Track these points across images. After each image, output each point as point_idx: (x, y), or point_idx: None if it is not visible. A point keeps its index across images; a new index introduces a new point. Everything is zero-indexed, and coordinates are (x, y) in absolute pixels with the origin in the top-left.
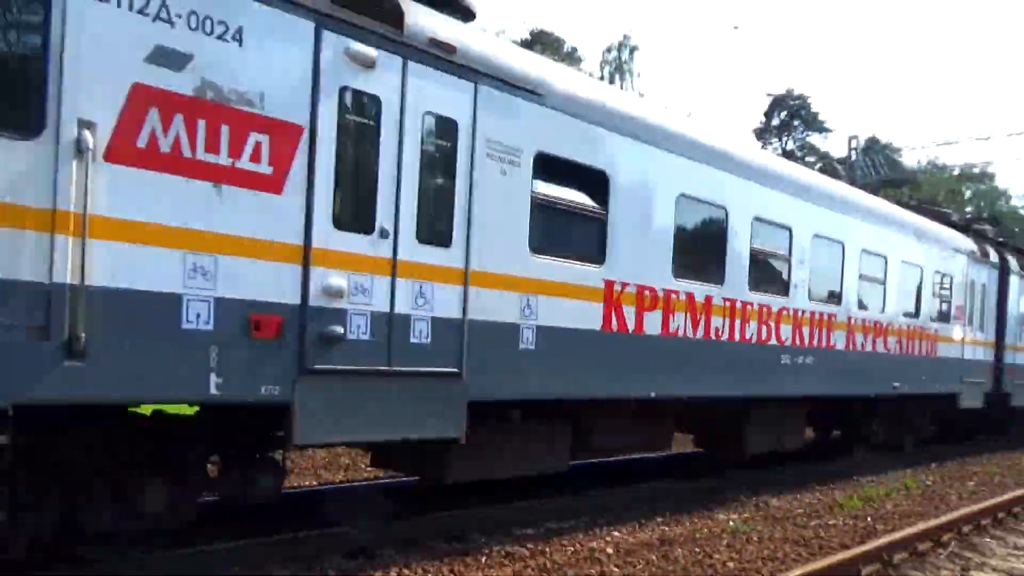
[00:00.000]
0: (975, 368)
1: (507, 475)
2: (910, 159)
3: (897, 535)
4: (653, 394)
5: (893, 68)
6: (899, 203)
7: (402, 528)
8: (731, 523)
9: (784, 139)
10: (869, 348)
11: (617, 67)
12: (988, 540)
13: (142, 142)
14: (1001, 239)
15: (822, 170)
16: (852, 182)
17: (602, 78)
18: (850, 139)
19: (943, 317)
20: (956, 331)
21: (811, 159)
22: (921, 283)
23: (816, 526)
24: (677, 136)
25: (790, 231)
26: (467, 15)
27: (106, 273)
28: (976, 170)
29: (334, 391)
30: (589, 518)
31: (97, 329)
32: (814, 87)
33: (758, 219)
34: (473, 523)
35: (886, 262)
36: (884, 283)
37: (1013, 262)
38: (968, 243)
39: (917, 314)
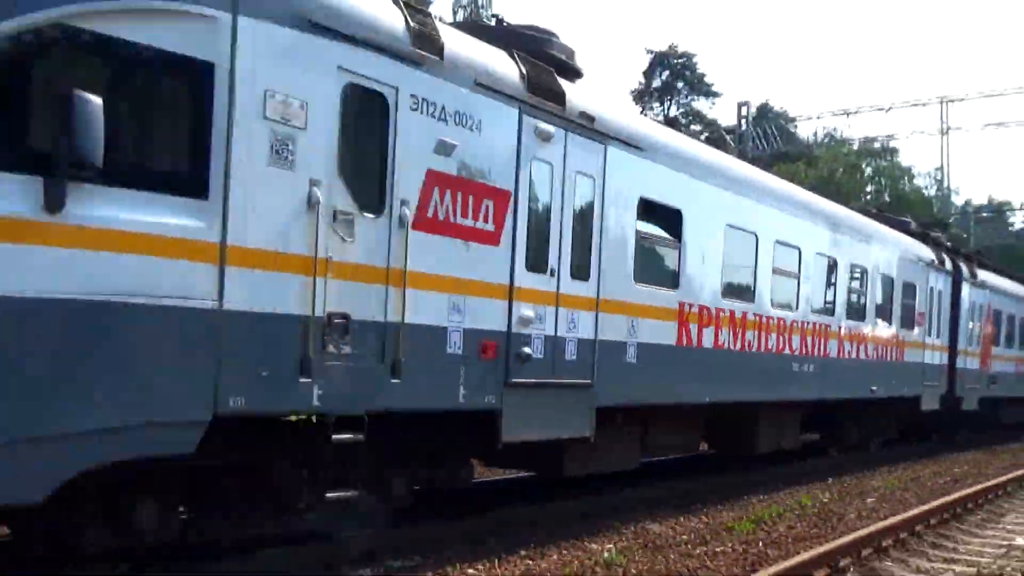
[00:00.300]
0: (933, 372)
1: (607, 470)
2: (805, 130)
3: (790, 562)
4: (708, 399)
5: (788, 29)
6: (862, 211)
7: None
8: (606, 554)
9: (666, 103)
10: (855, 355)
11: (473, 12)
12: (889, 564)
13: (430, 213)
14: (950, 244)
15: (708, 140)
16: (742, 155)
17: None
18: (740, 105)
19: (909, 324)
20: (919, 337)
21: (696, 127)
22: (892, 292)
23: (702, 554)
24: (723, 172)
25: (799, 251)
26: (576, 75)
27: (413, 312)
28: (877, 145)
29: (523, 399)
30: (437, 553)
31: (407, 355)
32: (701, 44)
33: (778, 242)
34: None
35: (866, 274)
36: (865, 294)
37: (965, 270)
38: (928, 252)
39: (890, 321)
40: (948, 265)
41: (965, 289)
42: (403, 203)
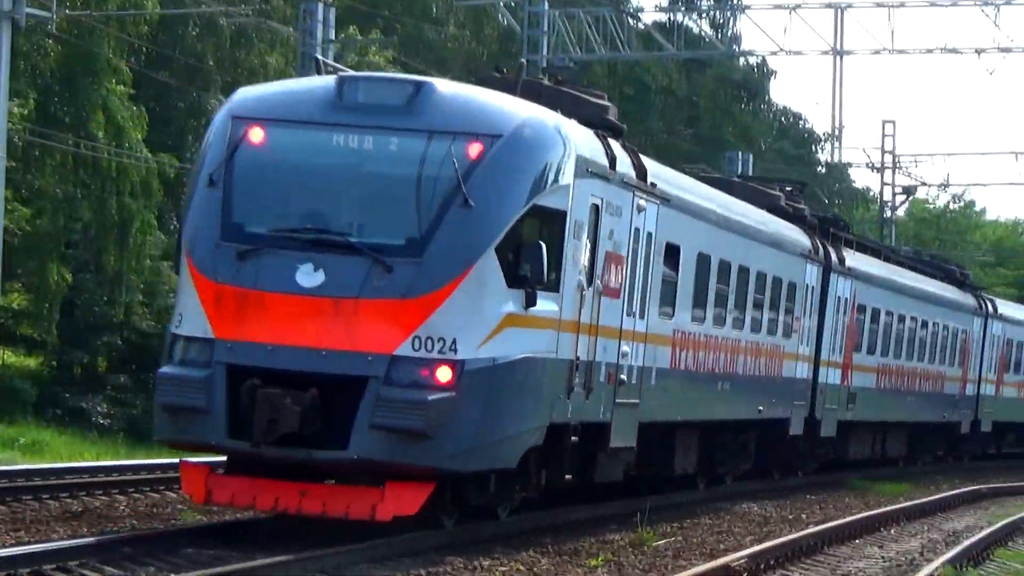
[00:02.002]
0: (801, 389)
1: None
2: None
3: None
4: (693, 417)
5: None
6: (727, 182)
7: None
8: None
9: None
10: (749, 371)
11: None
12: None
13: (606, 282)
14: (815, 219)
15: None
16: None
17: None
18: None
19: (788, 332)
20: (794, 347)
21: None
22: (779, 296)
23: None
24: (701, 207)
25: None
26: (618, 133)
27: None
28: None
29: (621, 417)
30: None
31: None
32: None
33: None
34: None
35: (754, 277)
36: (758, 301)
37: (835, 257)
38: (805, 240)
39: (772, 330)
40: (819, 252)
41: (833, 281)
42: (599, 277)
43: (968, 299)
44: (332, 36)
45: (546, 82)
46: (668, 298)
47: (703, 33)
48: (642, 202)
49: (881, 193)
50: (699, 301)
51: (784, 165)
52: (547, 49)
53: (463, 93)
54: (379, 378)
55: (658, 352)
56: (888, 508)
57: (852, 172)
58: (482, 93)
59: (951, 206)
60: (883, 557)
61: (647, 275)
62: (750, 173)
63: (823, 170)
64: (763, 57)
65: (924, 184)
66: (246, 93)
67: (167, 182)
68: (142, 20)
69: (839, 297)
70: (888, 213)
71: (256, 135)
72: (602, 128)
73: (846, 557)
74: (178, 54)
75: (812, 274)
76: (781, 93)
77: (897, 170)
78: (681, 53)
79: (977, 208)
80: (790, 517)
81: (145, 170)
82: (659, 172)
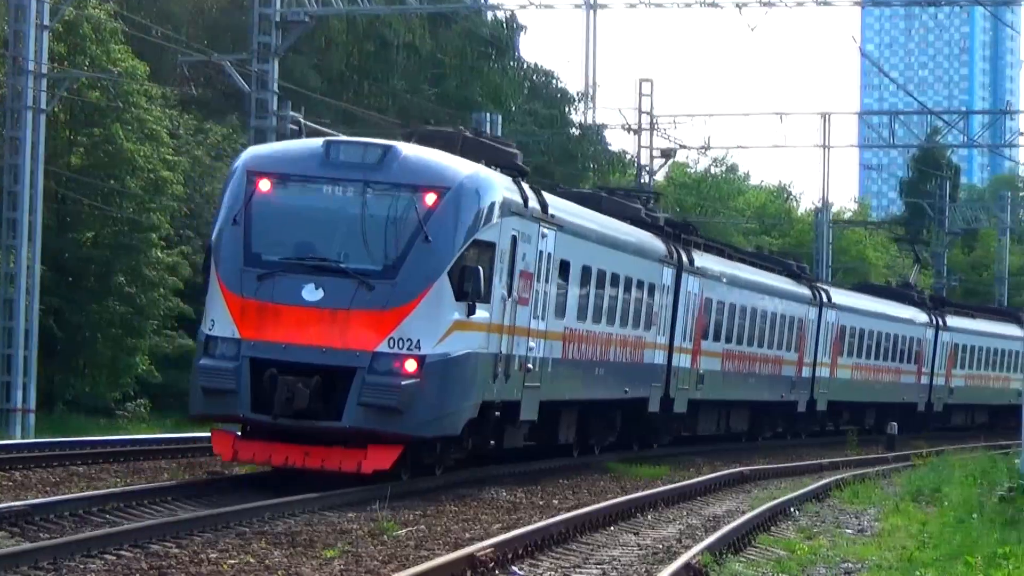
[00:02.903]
0: (658, 373)
1: (521, 443)
2: None
3: None
4: (576, 397)
5: None
6: (593, 197)
7: None
8: None
9: None
10: (618, 358)
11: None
12: None
13: (521, 293)
14: (675, 224)
15: None
16: None
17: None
18: None
19: (647, 324)
20: (652, 336)
21: None
22: (641, 295)
23: None
24: (586, 228)
25: (618, 276)
26: (524, 173)
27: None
28: None
29: (528, 397)
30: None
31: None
32: None
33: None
34: None
35: (623, 281)
36: (622, 299)
37: (686, 259)
38: (661, 246)
39: (636, 324)
40: (674, 256)
41: (684, 279)
42: (515, 290)
43: (804, 290)
44: None
45: (467, 132)
46: (561, 303)
47: None
48: (545, 230)
49: (638, 157)
50: (583, 303)
51: (535, 127)
52: (280, 2)
53: (421, 154)
54: (364, 368)
55: (553, 346)
56: (645, 492)
57: (608, 135)
58: (434, 154)
59: (712, 170)
60: (639, 544)
61: (547, 286)
62: (499, 135)
63: (577, 132)
64: (512, 12)
65: (684, 147)
66: (256, 151)
67: None
68: None
69: (689, 293)
70: (646, 178)
71: (265, 185)
72: (514, 170)
73: (600, 545)
74: None
75: (668, 275)
76: (532, 50)
77: (655, 132)
78: (424, 7)
79: (740, 173)
80: (541, 503)
81: None
82: (556, 204)
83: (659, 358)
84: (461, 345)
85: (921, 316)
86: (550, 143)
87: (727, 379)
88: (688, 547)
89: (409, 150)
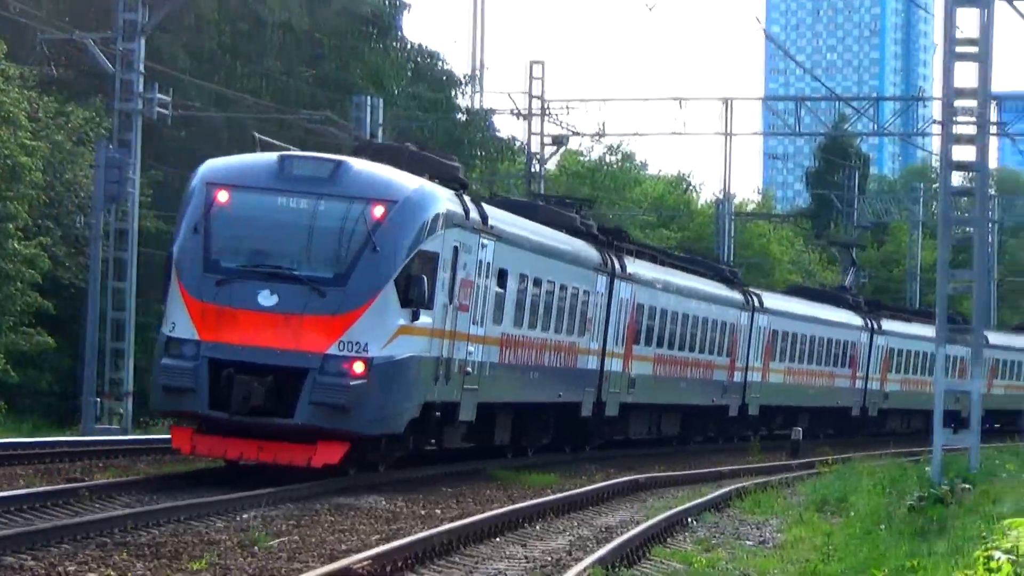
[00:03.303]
0: (591, 377)
1: (459, 443)
2: None
3: None
4: (512, 400)
5: None
6: (530, 206)
7: None
8: None
9: None
10: (557, 364)
11: None
12: None
13: (462, 301)
14: (608, 231)
15: None
16: None
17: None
18: None
19: (581, 330)
20: (585, 342)
21: None
22: (576, 302)
23: None
24: (523, 238)
25: (554, 283)
26: (464, 186)
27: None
28: None
29: (466, 398)
30: None
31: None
32: None
33: (550, 281)
34: None
35: (558, 289)
36: (556, 306)
37: (618, 267)
38: (596, 255)
39: (571, 330)
40: (607, 263)
41: (617, 286)
42: (456, 298)
43: (736, 295)
44: None
45: (412, 148)
46: (499, 310)
47: None
48: (484, 241)
49: (528, 144)
50: (519, 310)
51: (419, 112)
52: None
53: (369, 169)
54: (316, 369)
55: (491, 350)
56: (533, 501)
57: (496, 120)
58: (382, 169)
59: (608, 159)
60: (527, 557)
61: (486, 294)
62: (380, 121)
63: (463, 117)
64: None
65: (576, 134)
66: (214, 164)
67: None
68: None
69: (621, 299)
70: (537, 167)
71: (223, 197)
72: (456, 183)
73: (485, 557)
74: None
75: (601, 282)
76: (416, 30)
77: (546, 118)
78: None
79: (637, 162)
80: (423, 512)
81: None
82: (495, 214)
83: (592, 363)
84: (405, 349)
85: (856, 320)
86: (435, 129)
87: (658, 383)
88: (578, 560)
89: (359, 165)
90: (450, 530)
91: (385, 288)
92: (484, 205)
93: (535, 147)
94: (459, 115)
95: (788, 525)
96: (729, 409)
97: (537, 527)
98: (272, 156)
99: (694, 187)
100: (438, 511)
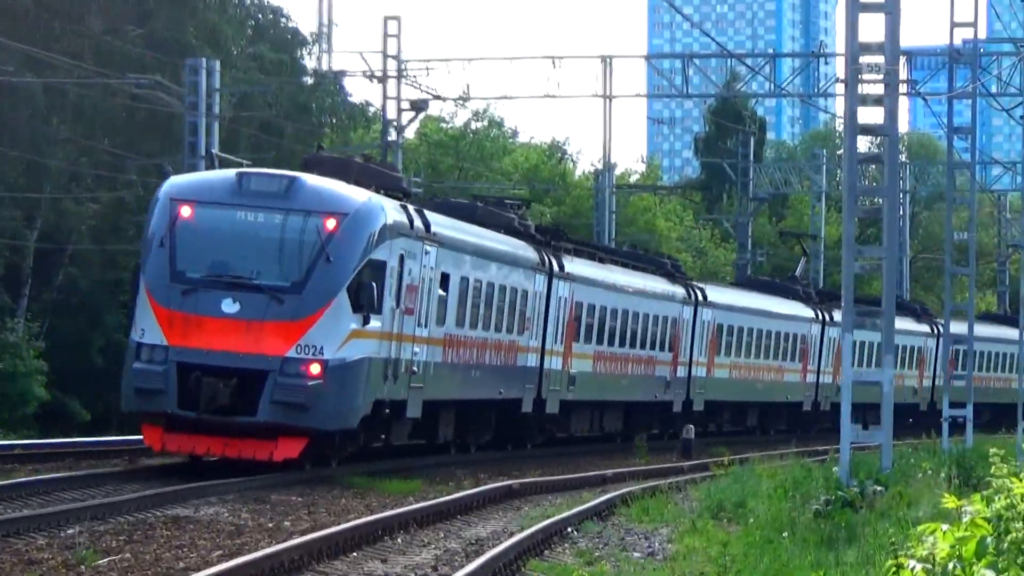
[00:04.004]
0: (531, 375)
1: (406, 440)
2: None
3: None
4: (454, 397)
5: None
6: (469, 208)
7: None
8: None
9: None
10: (497, 362)
11: None
12: None
13: (407, 304)
14: (546, 230)
15: None
16: None
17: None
18: None
19: (520, 329)
20: (526, 341)
21: None
22: (515, 302)
23: None
24: (465, 243)
25: (506, 287)
26: (408, 196)
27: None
28: None
29: (413, 396)
30: None
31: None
32: None
33: (490, 283)
34: None
35: (497, 290)
36: (496, 306)
37: (556, 266)
38: (533, 254)
39: (510, 329)
40: (545, 263)
41: (555, 285)
42: (403, 302)
43: (678, 289)
44: None
45: (358, 159)
46: (442, 311)
47: None
48: (428, 247)
49: (384, 109)
50: (461, 312)
51: (261, 74)
52: None
53: (322, 184)
54: (276, 371)
55: (435, 350)
56: (395, 511)
57: (348, 83)
58: (334, 184)
59: (473, 125)
60: (387, 573)
61: (430, 297)
62: (217, 85)
63: (310, 80)
64: None
65: (438, 98)
66: (176, 181)
67: None
68: None
69: (560, 297)
70: (394, 135)
71: (187, 211)
72: (401, 193)
73: (341, 574)
74: None
75: (540, 282)
76: None
77: (404, 80)
78: None
79: (506, 128)
80: (270, 525)
81: None
82: (437, 220)
83: (532, 361)
84: (357, 351)
85: (806, 311)
86: (278, 94)
87: (599, 380)
88: (446, 574)
89: (312, 180)
90: (301, 545)
91: (338, 295)
92: (426, 212)
93: (391, 113)
94: (306, 78)
95: (680, 534)
96: (673, 405)
97: (399, 540)
98: (231, 173)
99: (571, 156)
100: (287, 523)
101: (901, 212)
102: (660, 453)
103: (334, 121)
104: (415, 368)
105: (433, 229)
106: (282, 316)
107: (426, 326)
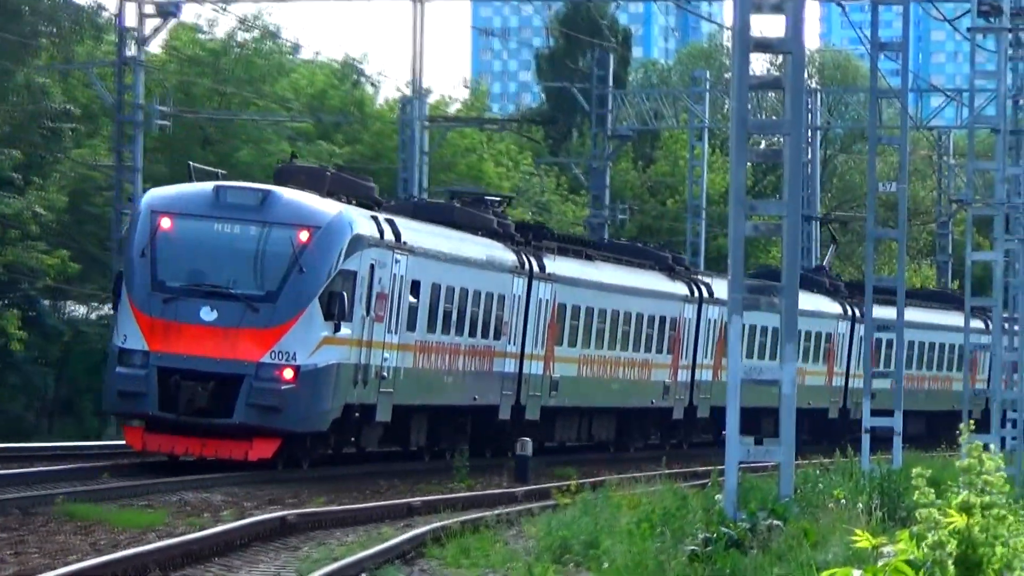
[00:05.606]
0: (509, 381)
1: (376, 445)
2: None
3: None
4: (426, 402)
5: None
6: (444, 208)
7: None
8: None
9: None
10: (472, 368)
11: None
12: None
13: (378, 312)
14: (527, 229)
15: None
16: None
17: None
18: None
19: (497, 334)
20: (502, 345)
21: None
22: (490, 307)
23: None
24: (436, 251)
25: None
26: (379, 204)
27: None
28: None
29: (382, 400)
30: None
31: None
32: None
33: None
34: None
35: (471, 295)
36: (470, 312)
37: (537, 267)
38: (511, 257)
39: (485, 334)
40: (526, 266)
41: (535, 287)
42: (373, 310)
43: (679, 286)
44: None
45: (332, 170)
46: (412, 318)
47: None
48: (398, 256)
49: (121, 15)
50: (432, 318)
51: None
52: None
53: (296, 198)
54: (251, 375)
55: (405, 356)
56: (128, 552)
57: None
58: (307, 197)
59: (240, 38)
60: None
61: (400, 304)
62: None
63: None
64: None
65: (191, 0)
66: (156, 193)
67: None
68: None
69: (540, 300)
70: (133, 49)
71: (167, 223)
72: (372, 203)
73: None
74: None
75: (519, 285)
76: None
77: None
78: None
79: (284, 42)
80: None
81: None
82: (409, 227)
83: (510, 366)
84: (329, 357)
85: (833, 307)
86: None
87: (586, 385)
88: None
89: (286, 193)
90: None
91: (311, 304)
92: (398, 220)
93: (130, 20)
94: None
95: None
96: (674, 411)
97: None
98: (208, 186)
99: (369, 79)
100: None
101: (808, 155)
102: (648, 462)
103: (53, 31)
104: (385, 373)
105: (404, 238)
106: (257, 324)
107: (396, 332)
